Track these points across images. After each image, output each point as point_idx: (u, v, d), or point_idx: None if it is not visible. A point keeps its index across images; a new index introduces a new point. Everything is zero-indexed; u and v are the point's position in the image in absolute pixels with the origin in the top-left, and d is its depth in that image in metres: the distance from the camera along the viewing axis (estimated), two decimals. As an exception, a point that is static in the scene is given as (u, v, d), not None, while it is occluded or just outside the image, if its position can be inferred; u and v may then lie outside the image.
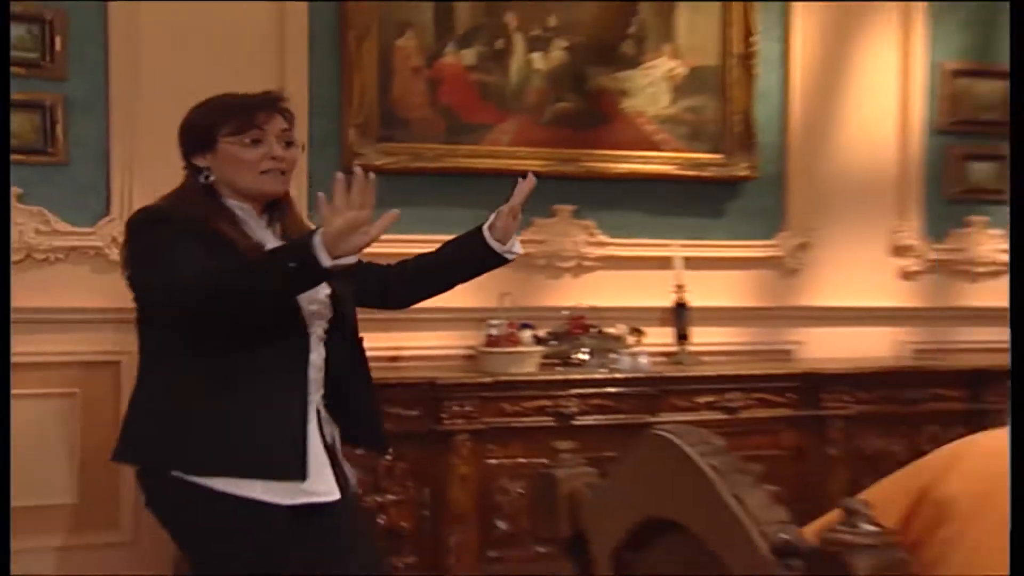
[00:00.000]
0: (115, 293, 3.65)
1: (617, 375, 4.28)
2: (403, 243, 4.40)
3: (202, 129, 2.68)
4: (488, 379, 4.12)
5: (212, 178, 2.67)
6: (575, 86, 4.67)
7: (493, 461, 4.07)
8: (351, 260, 2.33)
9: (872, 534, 0.92)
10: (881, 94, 5.08)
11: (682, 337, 4.64)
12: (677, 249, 4.63)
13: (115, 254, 4.13)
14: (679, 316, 4.64)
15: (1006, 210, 5.13)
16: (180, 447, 2.49)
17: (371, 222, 2.33)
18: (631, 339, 4.47)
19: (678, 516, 1.17)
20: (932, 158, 5.13)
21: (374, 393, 2.81)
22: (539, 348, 4.32)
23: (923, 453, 4.42)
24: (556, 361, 4.35)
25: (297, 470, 2.49)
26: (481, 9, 4.56)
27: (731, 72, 4.81)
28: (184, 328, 2.50)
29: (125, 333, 3.95)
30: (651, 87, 4.74)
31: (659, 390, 4.29)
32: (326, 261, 2.28)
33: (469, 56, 4.55)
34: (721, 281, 4.84)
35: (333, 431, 2.68)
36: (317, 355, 2.63)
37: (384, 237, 4.45)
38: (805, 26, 4.96)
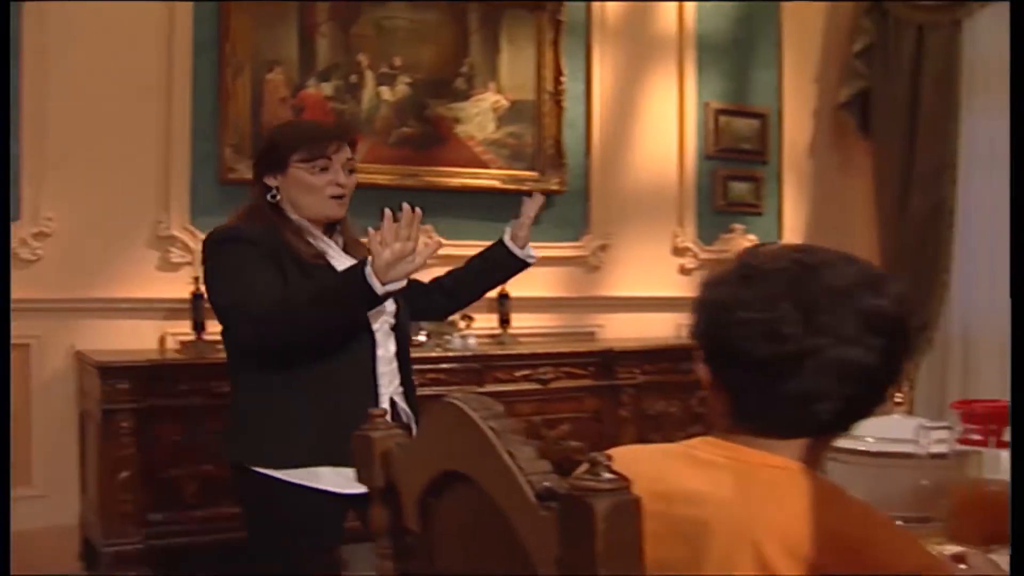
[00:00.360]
0: (24, 285, 3.59)
1: (450, 353, 4.28)
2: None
3: (278, 152, 2.46)
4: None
5: (279, 197, 2.46)
6: (417, 114, 4.64)
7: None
8: (401, 284, 2.20)
9: (610, 480, 0.93)
10: (663, 125, 5.16)
11: (504, 322, 4.66)
12: (500, 249, 4.64)
13: (25, 253, 3.98)
14: (502, 304, 4.66)
15: (760, 219, 5.33)
16: (259, 446, 2.33)
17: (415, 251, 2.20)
18: (462, 324, 4.47)
19: (465, 469, 1.16)
20: (703, 178, 5.24)
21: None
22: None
23: (697, 414, 4.50)
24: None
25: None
26: (339, 49, 4.51)
27: (544, 105, 4.84)
28: (263, 351, 2.32)
29: (33, 320, 3.88)
30: (479, 116, 4.74)
31: (484, 366, 4.30)
32: (379, 289, 2.16)
33: (328, 88, 4.49)
34: (537, 276, 4.83)
35: (411, 419, 2.49)
36: (385, 350, 2.45)
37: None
38: (603, 70, 5.01)
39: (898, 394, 2.03)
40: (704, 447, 1.30)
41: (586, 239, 5.00)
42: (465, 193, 4.70)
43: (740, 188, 5.31)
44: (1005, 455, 1.80)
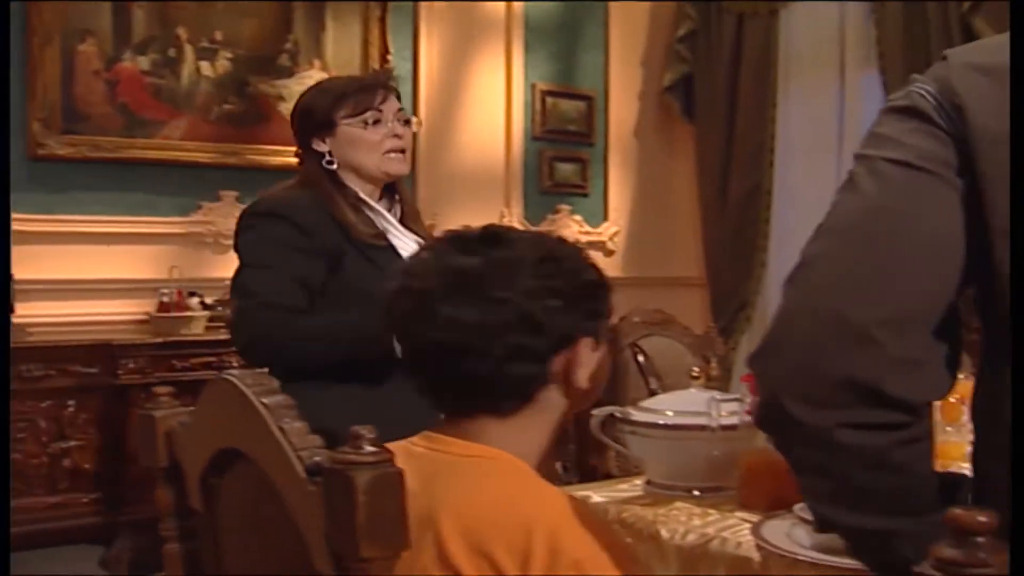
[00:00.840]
0: None
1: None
2: (83, 223, 4.21)
3: (320, 112, 2.26)
4: (160, 339, 3.99)
5: (335, 163, 2.25)
6: (238, 91, 4.54)
7: (165, 410, 3.92)
8: None
9: (372, 454, 0.93)
10: (491, 107, 5.19)
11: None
12: (326, 229, 4.60)
13: None
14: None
15: (586, 200, 5.42)
16: None
17: None
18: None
19: (242, 446, 1.15)
20: (530, 159, 5.29)
21: None
22: (205, 312, 4.21)
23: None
24: (221, 324, 4.24)
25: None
26: (156, 22, 4.36)
27: (371, 84, 4.79)
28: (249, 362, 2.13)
29: None
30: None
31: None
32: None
33: (144, 62, 4.34)
34: (364, 256, 4.84)
35: None
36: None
37: (67, 217, 4.25)
38: (430, 49, 5.00)
39: (694, 369, 2.11)
40: (421, 441, 1.30)
41: (413, 219, 4.99)
42: (289, 172, 4.59)
43: (566, 169, 5.38)
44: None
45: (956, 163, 1.06)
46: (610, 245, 5.48)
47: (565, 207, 5.33)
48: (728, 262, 5.34)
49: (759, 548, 1.69)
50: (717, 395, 1.97)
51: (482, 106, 5.16)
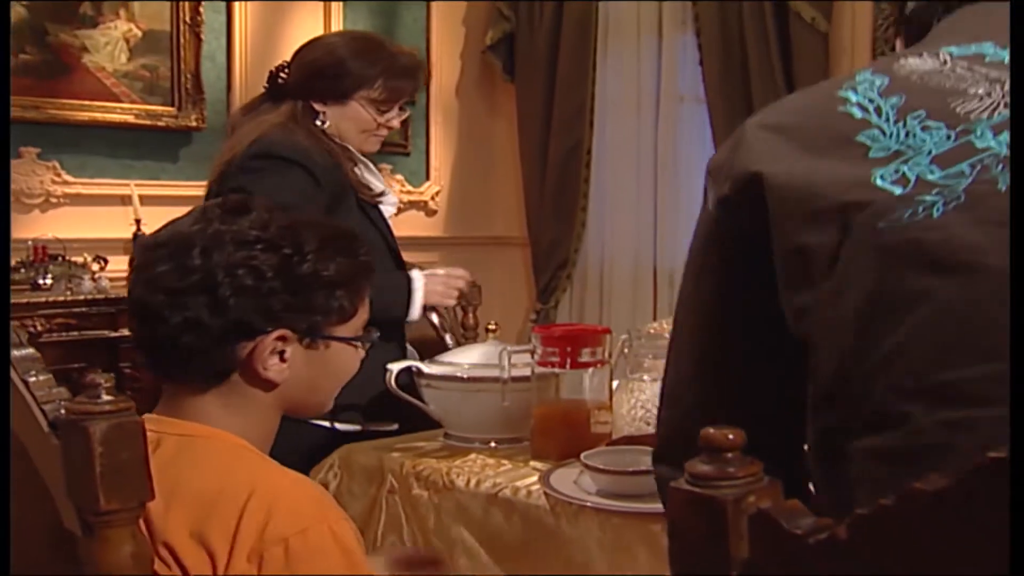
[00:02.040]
0: None
1: (80, 297, 4.07)
2: None
3: (351, 80, 2.18)
4: (-49, 301, 3.80)
5: (327, 124, 2.19)
6: (37, 40, 4.31)
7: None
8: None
9: (108, 403, 0.91)
10: (310, 62, 5.10)
11: (142, 263, 4.48)
12: (135, 188, 4.45)
13: None
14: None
15: (407, 159, 5.39)
16: None
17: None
18: (95, 266, 4.26)
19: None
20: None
21: None
22: (4, 274, 4.03)
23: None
24: (25, 287, 4.06)
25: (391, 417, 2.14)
26: (-58, -35, 4.11)
27: (183, 36, 4.63)
28: None
29: None
30: (109, 45, 4.47)
31: (118, 309, 4.12)
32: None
33: (-70, 8, 4.09)
34: (176, 216, 4.68)
35: None
36: None
37: None
38: (245, 1, 4.88)
39: (491, 323, 2.14)
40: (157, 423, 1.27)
41: (230, 179, 4.87)
42: (95, 128, 4.45)
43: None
44: (581, 375, 1.94)
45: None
46: (432, 205, 5.48)
47: (386, 166, 5.28)
48: (549, 221, 5.41)
49: (547, 496, 1.73)
50: (509, 347, 2.00)
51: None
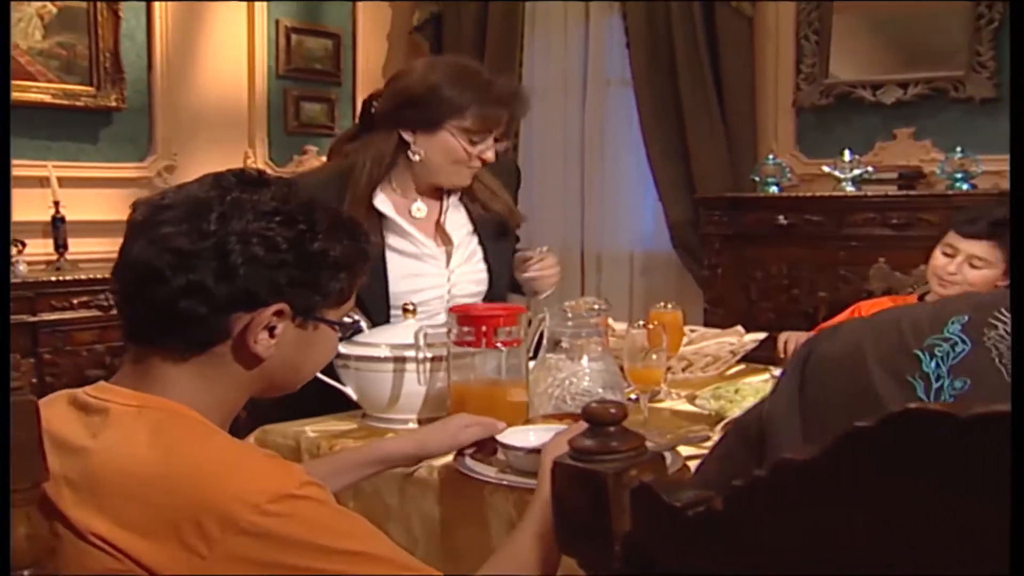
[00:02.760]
0: None
1: (-4, 281, 4.00)
2: None
3: (443, 108, 2.09)
4: None
5: (418, 157, 2.12)
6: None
7: None
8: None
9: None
10: (233, 43, 5.04)
11: (61, 247, 4.40)
12: (54, 170, 4.37)
13: None
14: (57, 228, 4.39)
15: (330, 140, 5.34)
16: None
17: None
18: (13, 250, 4.18)
19: None
20: (274, 98, 5.17)
21: None
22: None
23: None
24: None
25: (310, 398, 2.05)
26: None
27: (100, 14, 4.54)
28: None
29: None
30: (23, 22, 4.38)
31: (37, 293, 4.07)
32: None
33: None
34: (99, 198, 4.61)
35: None
36: None
37: None
38: (165, -20, 4.81)
39: (408, 304, 2.14)
40: (93, 390, 1.25)
41: (150, 160, 4.80)
42: (11, 108, 4.36)
43: (313, 109, 5.30)
44: (497, 354, 1.96)
45: None
46: (359, 186, 5.45)
47: (312, 148, 5.25)
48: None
49: (460, 474, 1.74)
50: (427, 328, 2.01)
51: (223, 42, 5.00)
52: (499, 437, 1.72)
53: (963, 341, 0.94)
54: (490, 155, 2.18)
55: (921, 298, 2.96)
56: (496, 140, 2.20)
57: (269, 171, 5.00)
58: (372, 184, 2.19)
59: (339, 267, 1.29)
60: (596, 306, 2.03)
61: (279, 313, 1.25)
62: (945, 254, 2.80)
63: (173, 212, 1.22)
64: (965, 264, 2.74)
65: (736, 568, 0.74)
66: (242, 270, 1.20)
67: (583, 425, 0.82)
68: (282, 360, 1.29)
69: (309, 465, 1.51)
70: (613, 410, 0.78)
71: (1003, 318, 0.93)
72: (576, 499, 0.76)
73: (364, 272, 1.37)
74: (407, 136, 2.16)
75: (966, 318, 0.95)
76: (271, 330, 1.26)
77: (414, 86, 2.16)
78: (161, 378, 1.24)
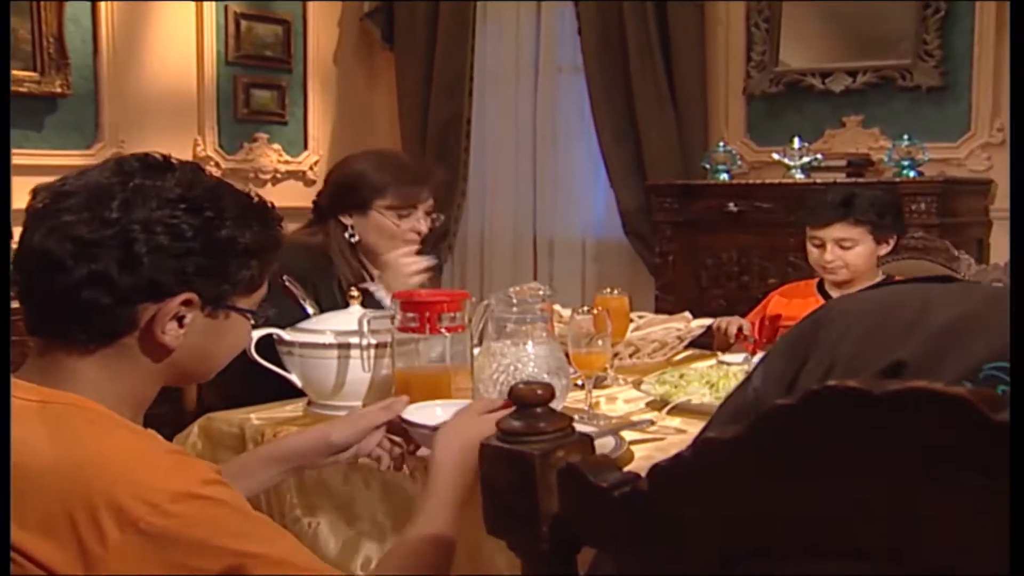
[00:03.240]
0: None
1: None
2: None
3: (366, 191, 2.40)
4: None
5: (357, 239, 2.42)
6: None
7: None
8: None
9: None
10: (181, 29, 4.96)
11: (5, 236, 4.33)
12: (-3, 157, 4.29)
13: None
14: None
15: (284, 128, 5.32)
16: None
17: None
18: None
19: None
20: (224, 85, 5.09)
21: None
22: None
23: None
24: None
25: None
26: None
27: (41, -3, 4.47)
28: None
29: None
30: (-36, 8, 4.29)
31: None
32: None
33: None
34: (43, 186, 4.54)
35: None
36: None
37: None
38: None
39: (352, 291, 2.13)
40: (16, 388, 1.20)
41: (97, 147, 4.70)
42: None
43: (263, 96, 5.23)
44: (441, 340, 1.95)
45: None
46: (310, 175, 5.41)
47: (263, 135, 5.21)
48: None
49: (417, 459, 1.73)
50: (371, 313, 2.00)
51: (171, 27, 4.92)
52: (405, 413, 1.62)
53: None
54: (423, 227, 2.47)
55: (820, 285, 3.01)
56: (427, 214, 2.49)
57: (219, 159, 4.97)
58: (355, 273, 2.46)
59: (249, 254, 1.27)
60: (541, 292, 2.03)
61: (187, 303, 1.22)
62: (815, 246, 2.89)
63: (74, 199, 1.18)
64: (836, 247, 2.83)
65: (662, 546, 0.74)
66: (146, 260, 1.18)
67: (489, 403, 0.82)
68: (193, 350, 1.26)
69: (225, 465, 1.49)
70: (540, 391, 0.77)
71: None
72: (503, 480, 0.76)
73: (276, 258, 1.35)
74: (346, 220, 2.46)
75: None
76: (180, 320, 1.23)
77: (345, 175, 2.51)
78: (66, 372, 1.21)
